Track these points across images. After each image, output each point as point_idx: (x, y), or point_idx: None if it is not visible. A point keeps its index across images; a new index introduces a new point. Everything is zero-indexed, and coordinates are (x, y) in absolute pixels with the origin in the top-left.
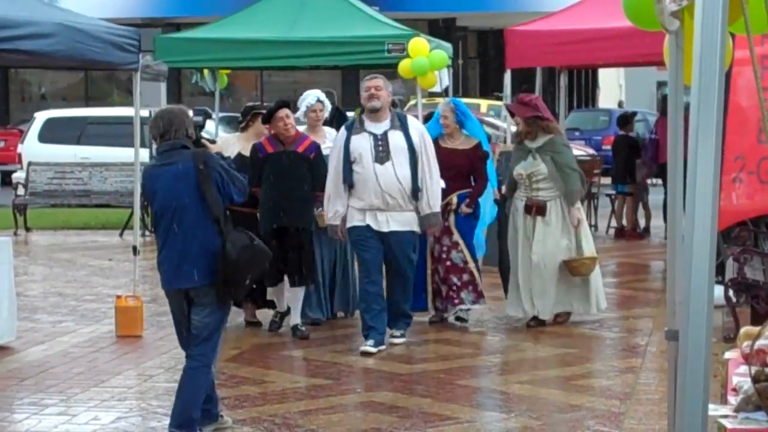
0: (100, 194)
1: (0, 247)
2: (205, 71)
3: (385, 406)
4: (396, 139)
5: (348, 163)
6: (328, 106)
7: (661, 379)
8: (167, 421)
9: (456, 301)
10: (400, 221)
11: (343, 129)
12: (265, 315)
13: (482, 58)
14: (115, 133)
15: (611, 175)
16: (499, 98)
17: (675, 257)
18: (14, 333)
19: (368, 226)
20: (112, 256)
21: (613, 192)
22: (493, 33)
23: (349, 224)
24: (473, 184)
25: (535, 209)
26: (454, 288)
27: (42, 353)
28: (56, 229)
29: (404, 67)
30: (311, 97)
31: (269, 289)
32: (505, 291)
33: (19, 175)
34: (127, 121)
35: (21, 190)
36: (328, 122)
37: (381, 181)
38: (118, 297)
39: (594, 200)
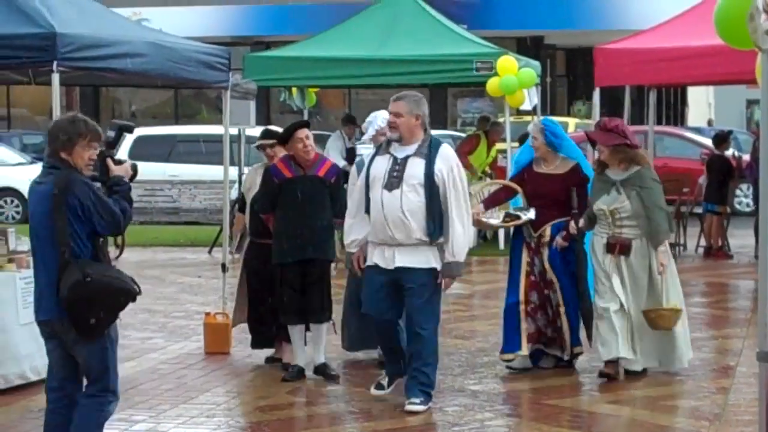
0: (189, 211)
1: None
2: (294, 89)
3: (473, 426)
4: (415, 166)
5: (367, 187)
6: None
7: (751, 400)
8: None
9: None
10: (410, 257)
11: (373, 149)
12: None
13: (571, 77)
14: (205, 150)
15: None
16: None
17: (767, 277)
18: None
19: (376, 266)
20: (201, 273)
21: (705, 211)
22: (582, 51)
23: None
24: (574, 212)
25: (619, 248)
26: (548, 337)
27: (131, 370)
28: (146, 246)
29: (492, 85)
30: (380, 118)
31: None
32: (589, 337)
33: None
34: (217, 139)
35: None
36: None
37: (385, 209)
38: (207, 314)
39: (683, 219)
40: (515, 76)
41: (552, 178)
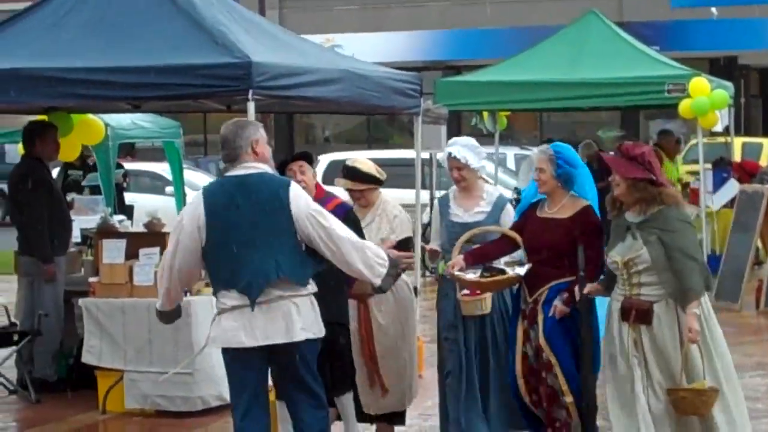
0: None
1: None
2: (485, 113)
3: None
4: None
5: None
6: (474, 164)
7: None
8: None
9: None
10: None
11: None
12: None
13: (765, 97)
14: (397, 174)
15: None
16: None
17: None
18: None
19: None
20: None
21: None
22: None
23: None
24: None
25: (636, 314)
26: (557, 426)
27: None
28: None
29: (685, 107)
30: (444, 152)
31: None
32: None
33: None
34: (409, 163)
35: None
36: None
37: None
38: None
39: None
40: (707, 98)
41: (553, 224)
